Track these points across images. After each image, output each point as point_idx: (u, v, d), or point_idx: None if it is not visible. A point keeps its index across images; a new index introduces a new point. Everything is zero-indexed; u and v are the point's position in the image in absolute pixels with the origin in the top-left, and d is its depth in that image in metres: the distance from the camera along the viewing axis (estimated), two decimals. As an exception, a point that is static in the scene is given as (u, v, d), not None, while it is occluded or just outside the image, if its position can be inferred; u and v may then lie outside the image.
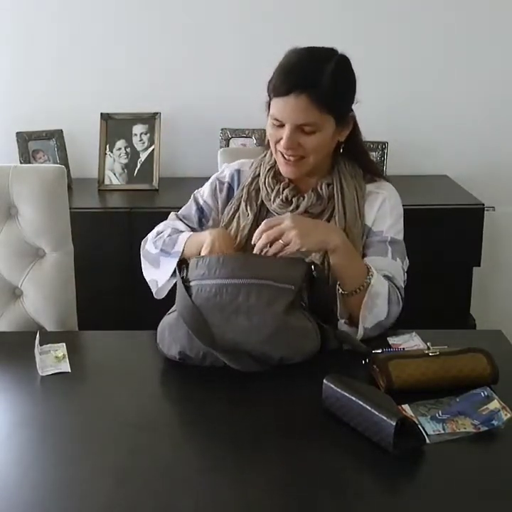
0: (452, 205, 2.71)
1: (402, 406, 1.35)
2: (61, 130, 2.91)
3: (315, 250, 1.65)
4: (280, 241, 1.55)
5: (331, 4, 2.89)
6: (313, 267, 1.57)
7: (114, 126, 2.91)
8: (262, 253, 1.57)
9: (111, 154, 2.91)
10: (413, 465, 1.23)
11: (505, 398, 1.36)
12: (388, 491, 1.20)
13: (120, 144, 2.91)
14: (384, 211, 1.76)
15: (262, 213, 1.79)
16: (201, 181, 1.94)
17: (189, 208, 1.90)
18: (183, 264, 1.64)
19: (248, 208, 1.79)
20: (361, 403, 1.28)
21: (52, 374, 1.52)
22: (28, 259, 1.97)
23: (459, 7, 2.90)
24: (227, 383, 1.46)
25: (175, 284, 1.65)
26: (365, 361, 1.49)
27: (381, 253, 1.72)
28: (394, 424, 1.21)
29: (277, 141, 1.70)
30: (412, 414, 1.33)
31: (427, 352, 1.45)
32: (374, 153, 2.83)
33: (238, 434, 1.31)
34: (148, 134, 2.91)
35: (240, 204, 1.80)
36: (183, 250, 1.73)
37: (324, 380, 1.35)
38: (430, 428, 1.30)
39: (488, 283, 3.03)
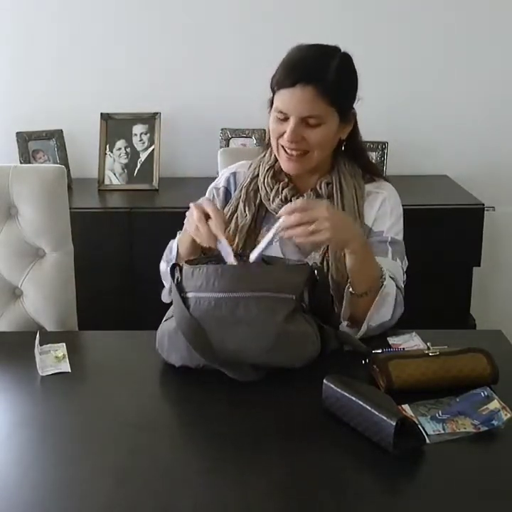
0: (452, 205, 2.71)
1: (402, 406, 1.35)
2: (61, 130, 2.92)
3: (336, 248, 1.63)
4: (309, 228, 1.48)
5: (331, 4, 2.89)
6: (315, 271, 1.53)
7: (114, 126, 2.92)
8: (284, 232, 1.50)
9: (111, 154, 2.91)
10: (413, 465, 1.23)
11: (505, 398, 1.36)
12: (388, 491, 1.20)
13: (120, 144, 2.92)
14: (384, 211, 1.76)
15: (260, 214, 1.78)
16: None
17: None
18: (176, 265, 1.57)
19: (246, 208, 1.77)
20: (361, 403, 1.27)
21: (52, 374, 1.51)
22: (28, 259, 1.97)
23: (459, 7, 2.90)
24: (227, 384, 1.46)
25: None
26: (365, 361, 1.49)
27: (381, 253, 1.71)
28: (394, 424, 1.21)
29: (280, 136, 1.68)
30: (412, 414, 1.33)
31: (427, 352, 1.45)
32: (374, 153, 2.83)
33: (238, 434, 1.31)
34: (148, 134, 2.91)
35: (237, 205, 1.79)
36: (178, 252, 1.71)
37: (324, 380, 1.35)
38: (430, 428, 1.30)
39: (488, 283, 3.03)
